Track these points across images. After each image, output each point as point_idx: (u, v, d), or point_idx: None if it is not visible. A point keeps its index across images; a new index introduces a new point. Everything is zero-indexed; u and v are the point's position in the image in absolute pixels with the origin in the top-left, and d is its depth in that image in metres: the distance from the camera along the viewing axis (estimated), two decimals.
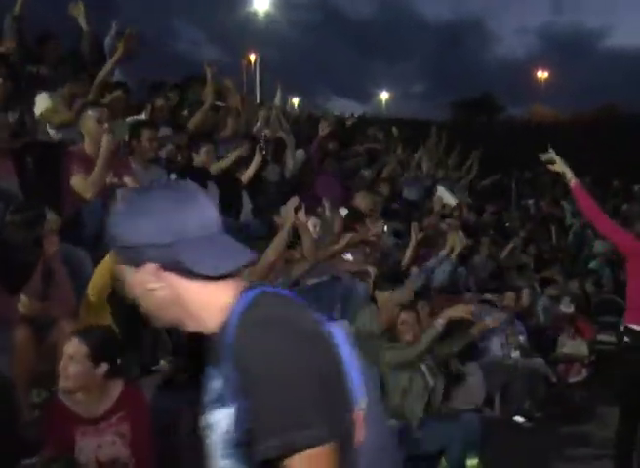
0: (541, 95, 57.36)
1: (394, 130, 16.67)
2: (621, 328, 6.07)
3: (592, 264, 15.89)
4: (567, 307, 10.91)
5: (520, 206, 18.62)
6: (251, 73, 56.38)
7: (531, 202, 18.51)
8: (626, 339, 5.92)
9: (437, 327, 5.42)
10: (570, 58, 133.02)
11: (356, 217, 7.99)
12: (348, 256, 7.46)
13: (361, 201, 8.69)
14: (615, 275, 15.26)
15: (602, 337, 10.83)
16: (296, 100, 53.66)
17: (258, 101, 17.66)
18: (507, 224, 15.05)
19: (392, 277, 6.68)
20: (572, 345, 9.31)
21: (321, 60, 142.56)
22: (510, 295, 8.69)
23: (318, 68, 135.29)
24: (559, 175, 6.56)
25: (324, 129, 9.97)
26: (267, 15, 46.72)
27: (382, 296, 6.34)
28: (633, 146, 39.64)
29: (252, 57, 56.03)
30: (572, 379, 8.94)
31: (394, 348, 5.62)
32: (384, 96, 60.31)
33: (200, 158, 7.50)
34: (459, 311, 5.45)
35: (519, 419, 7.97)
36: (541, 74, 58.52)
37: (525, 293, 9.58)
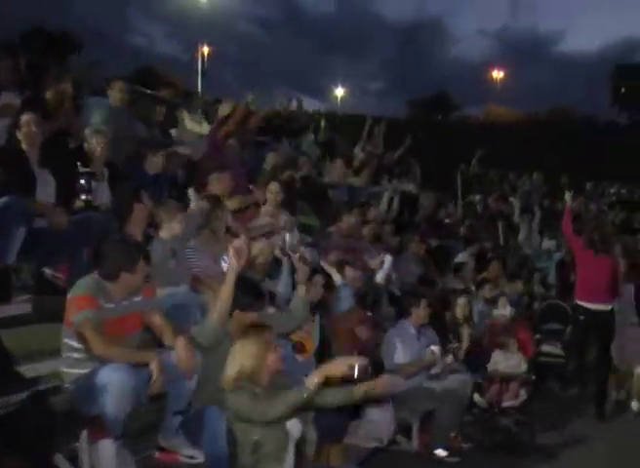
0: (497, 95, 56.75)
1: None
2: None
3: (540, 262, 14.51)
4: (503, 309, 9.40)
5: (466, 202, 17.10)
6: (205, 67, 54.95)
7: (477, 198, 17.01)
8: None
9: (302, 393, 3.65)
10: (525, 60, 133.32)
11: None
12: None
13: (214, 186, 7.09)
14: (561, 275, 14.04)
15: (546, 348, 9.34)
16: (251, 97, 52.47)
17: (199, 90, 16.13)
18: (447, 221, 13.46)
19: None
20: (508, 361, 7.72)
21: (280, 57, 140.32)
22: (418, 312, 6.84)
23: (277, 65, 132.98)
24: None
25: (223, 111, 8.66)
26: (225, 10, 45.05)
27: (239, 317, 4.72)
28: (586, 146, 39.52)
29: (205, 50, 54.46)
30: (506, 403, 7.32)
31: (242, 391, 3.86)
32: (340, 92, 58.93)
33: None
34: (338, 368, 3.66)
35: (441, 453, 6.36)
36: (497, 74, 57.96)
37: (461, 305, 8.00)
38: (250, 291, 4.78)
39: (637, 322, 8.83)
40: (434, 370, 6.60)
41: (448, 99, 57.96)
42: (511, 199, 17.18)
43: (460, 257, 11.41)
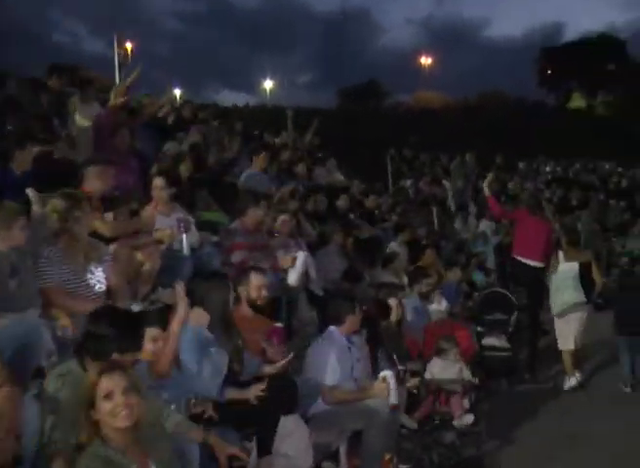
0: (426, 81, 56.37)
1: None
2: None
3: (477, 246, 13.70)
4: (439, 305, 8.43)
5: (397, 187, 16.18)
6: (128, 63, 52.74)
7: (409, 182, 16.11)
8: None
9: None
10: (453, 46, 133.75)
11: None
12: None
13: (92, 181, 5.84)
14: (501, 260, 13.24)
15: (490, 341, 8.38)
16: (178, 92, 50.84)
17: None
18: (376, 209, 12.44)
19: None
20: (447, 370, 6.65)
21: (209, 52, 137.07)
22: (353, 319, 5.70)
23: (206, 60, 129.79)
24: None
25: (116, 97, 7.72)
26: (151, 5, 43.15)
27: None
28: (516, 128, 39.37)
29: (128, 46, 52.18)
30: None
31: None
32: (268, 85, 57.54)
33: None
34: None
35: None
36: (425, 61, 57.48)
37: (394, 307, 6.96)
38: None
39: (582, 301, 8.01)
40: (391, 402, 5.27)
41: (378, 87, 57.35)
42: (444, 182, 16.31)
43: (392, 247, 10.43)
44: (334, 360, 5.45)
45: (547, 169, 19.85)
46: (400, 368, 5.97)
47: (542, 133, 38.76)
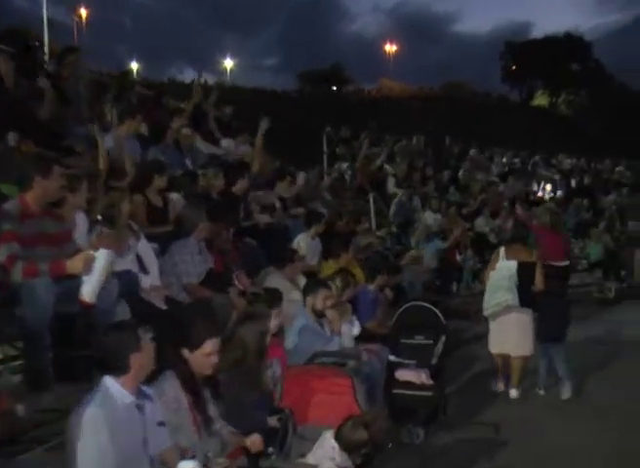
0: (390, 69, 54.14)
1: None
2: None
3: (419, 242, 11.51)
4: (349, 329, 6.10)
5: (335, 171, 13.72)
6: (82, 30, 49.46)
7: (345, 166, 13.66)
8: None
9: None
10: (419, 37, 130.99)
11: None
12: None
13: None
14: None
15: (404, 375, 5.98)
16: (135, 66, 47.77)
17: None
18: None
19: None
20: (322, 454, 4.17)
21: (174, 30, 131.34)
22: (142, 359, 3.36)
23: (170, 37, 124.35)
24: None
25: None
26: None
27: None
28: (477, 119, 37.82)
29: (83, 12, 48.87)
30: None
31: None
32: (229, 64, 54.68)
33: None
34: None
35: None
36: (390, 48, 55.19)
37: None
38: None
39: (514, 304, 7.06)
40: None
41: (341, 73, 54.86)
42: (386, 166, 13.92)
43: (297, 241, 8.05)
44: (104, 440, 3.08)
45: (504, 160, 17.69)
46: None
47: (504, 126, 37.23)
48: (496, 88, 57.36)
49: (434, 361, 5.95)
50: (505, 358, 7.27)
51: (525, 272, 7.11)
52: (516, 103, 56.38)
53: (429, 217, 12.52)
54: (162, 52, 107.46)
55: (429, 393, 5.90)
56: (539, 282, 7.13)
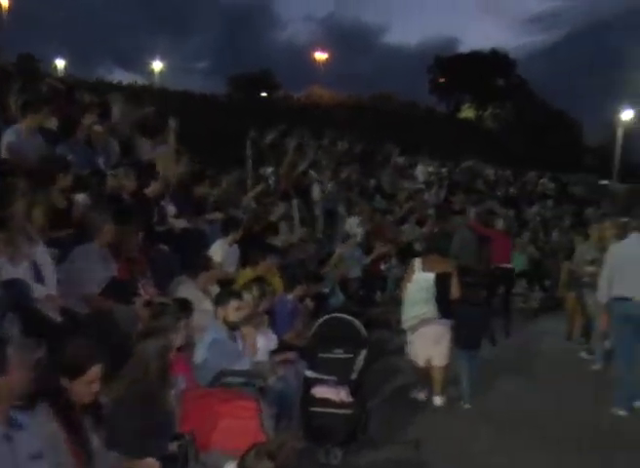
0: (320, 78, 53.87)
1: None
2: None
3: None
4: (266, 342, 5.73)
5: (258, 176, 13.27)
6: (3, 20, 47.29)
7: (269, 171, 13.24)
8: None
9: None
10: (349, 47, 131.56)
11: None
12: None
13: None
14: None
15: (321, 392, 5.61)
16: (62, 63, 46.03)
17: None
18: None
19: None
20: None
21: (104, 29, 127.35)
22: None
23: (100, 36, 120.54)
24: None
25: None
26: None
27: None
28: (403, 129, 38.05)
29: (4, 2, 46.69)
30: None
31: None
32: (158, 66, 53.36)
33: None
34: None
35: None
36: (320, 56, 55.05)
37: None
38: None
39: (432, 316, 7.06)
40: None
41: (271, 79, 54.51)
42: (311, 172, 13.58)
43: (214, 248, 7.62)
44: None
45: (430, 169, 17.69)
46: None
47: (431, 137, 37.56)
48: (423, 100, 58.15)
49: (354, 376, 5.60)
50: (426, 369, 7.24)
51: (442, 283, 7.07)
52: (443, 115, 57.19)
53: (354, 223, 12.24)
54: (90, 50, 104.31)
55: (349, 411, 5.56)
56: (455, 291, 7.12)
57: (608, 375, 8.20)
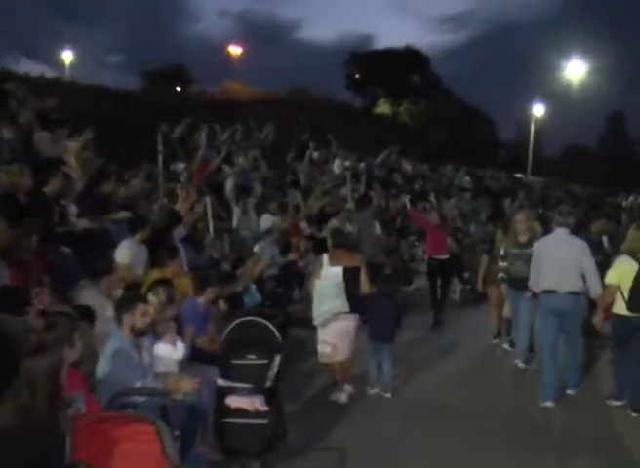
0: (234, 72, 53.17)
1: None
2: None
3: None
4: (172, 351, 5.35)
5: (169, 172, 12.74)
6: None
7: (181, 166, 12.76)
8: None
9: None
10: (264, 42, 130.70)
11: None
12: None
13: None
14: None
15: (235, 401, 5.26)
16: None
17: None
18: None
19: None
20: None
21: (10, 17, 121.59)
22: None
23: (7, 25, 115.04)
24: None
25: None
26: None
27: None
28: (323, 122, 37.95)
29: None
30: None
31: None
32: (68, 58, 51.39)
33: None
34: None
35: None
36: (235, 51, 54.38)
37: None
38: None
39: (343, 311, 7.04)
40: None
41: (186, 73, 53.36)
42: (225, 167, 13.18)
43: (121, 248, 7.15)
44: None
45: (347, 163, 17.52)
46: None
47: (347, 132, 37.55)
48: (340, 95, 58.29)
49: (269, 384, 5.27)
50: (332, 365, 7.23)
51: (351, 277, 7.06)
52: (359, 110, 57.52)
53: (268, 221, 11.91)
54: None
55: (265, 421, 5.23)
56: (365, 285, 7.15)
57: (531, 368, 8.42)
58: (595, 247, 8.08)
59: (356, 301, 7.06)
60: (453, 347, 9.80)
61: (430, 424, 6.58)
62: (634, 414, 6.93)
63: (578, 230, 8.45)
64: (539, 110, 39.27)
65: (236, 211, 11.92)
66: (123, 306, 5.15)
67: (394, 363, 7.49)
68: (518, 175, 32.88)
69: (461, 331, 10.98)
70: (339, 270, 7.02)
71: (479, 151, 49.84)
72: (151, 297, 5.50)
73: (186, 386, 4.89)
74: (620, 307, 7.04)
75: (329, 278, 7.03)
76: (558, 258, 7.28)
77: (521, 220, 8.57)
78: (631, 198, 23.39)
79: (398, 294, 9.12)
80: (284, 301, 10.05)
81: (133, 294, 5.51)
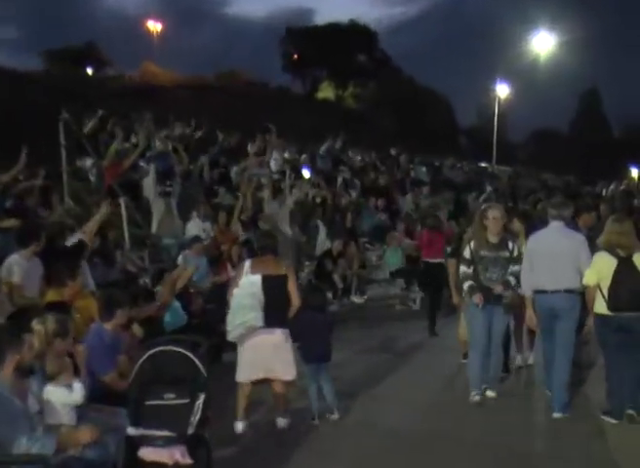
0: (155, 54, 52.36)
1: None
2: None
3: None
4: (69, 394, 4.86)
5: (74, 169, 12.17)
6: None
7: (89, 163, 12.21)
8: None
9: None
10: (189, 21, 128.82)
11: None
12: None
13: None
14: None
15: (148, 453, 4.76)
16: None
17: None
18: None
19: None
20: None
21: None
22: None
23: None
24: None
25: None
26: None
27: None
28: (257, 110, 37.70)
29: None
30: None
31: None
32: None
33: None
34: None
35: None
36: (154, 27, 53.65)
37: None
38: None
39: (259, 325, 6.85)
40: None
41: (98, 53, 51.85)
42: (142, 164, 12.66)
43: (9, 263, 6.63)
44: None
45: (286, 155, 17.16)
46: None
47: (286, 120, 37.35)
48: (276, 78, 57.92)
49: (192, 430, 4.80)
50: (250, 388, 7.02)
51: (272, 287, 6.87)
52: (299, 95, 57.25)
53: (195, 227, 11.44)
54: None
55: None
56: (293, 297, 6.98)
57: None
58: None
59: (278, 315, 6.86)
60: (414, 366, 9.67)
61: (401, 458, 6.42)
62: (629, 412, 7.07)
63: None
64: (502, 90, 39.43)
65: (157, 208, 11.42)
66: (3, 340, 4.61)
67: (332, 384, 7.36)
68: (483, 165, 33.02)
69: (422, 347, 10.79)
70: (257, 279, 6.86)
71: (436, 138, 50.12)
72: (37, 326, 4.99)
73: (84, 436, 4.41)
74: (601, 306, 7.17)
75: (246, 287, 6.87)
76: (554, 254, 7.39)
77: (497, 217, 7.76)
78: (612, 187, 23.62)
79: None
80: (215, 321, 9.55)
81: (14, 323, 4.98)
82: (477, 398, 7.73)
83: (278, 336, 6.90)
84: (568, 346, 7.52)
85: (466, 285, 7.87)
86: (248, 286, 6.86)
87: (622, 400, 7.13)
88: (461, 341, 9.17)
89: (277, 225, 12.14)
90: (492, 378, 8.06)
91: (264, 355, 6.87)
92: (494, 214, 7.79)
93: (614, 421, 7.06)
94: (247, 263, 7.12)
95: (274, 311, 6.82)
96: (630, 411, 7.04)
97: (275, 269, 7.00)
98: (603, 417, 7.20)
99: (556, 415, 7.35)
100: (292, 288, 7.00)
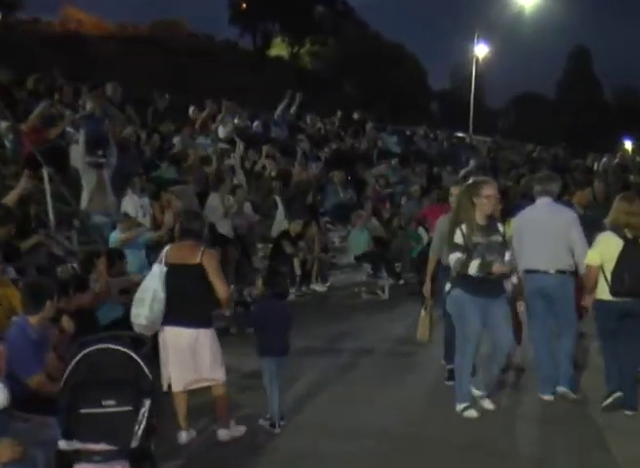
0: None
1: None
2: None
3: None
4: None
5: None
6: None
7: (4, 127, 11.93)
8: None
9: None
10: None
11: None
12: None
13: None
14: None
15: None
16: None
17: None
18: None
19: None
20: None
21: None
22: None
23: None
24: None
25: None
26: None
27: None
28: (201, 67, 37.74)
29: None
30: None
31: None
32: None
33: None
34: None
35: None
36: None
37: None
38: None
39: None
40: None
41: None
42: (69, 130, 12.46)
43: None
44: None
45: (236, 121, 17.02)
46: None
47: (235, 80, 37.34)
48: (222, 32, 57.57)
49: (135, 442, 4.72)
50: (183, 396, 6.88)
51: (179, 278, 6.64)
52: (249, 52, 57.04)
53: (131, 204, 11.29)
54: None
55: None
56: (220, 289, 6.68)
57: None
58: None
59: (194, 311, 6.64)
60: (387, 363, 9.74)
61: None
62: (628, 412, 7.39)
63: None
64: (481, 49, 39.38)
65: (87, 181, 11.25)
66: None
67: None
68: (459, 135, 33.12)
69: (391, 341, 10.91)
70: (160, 269, 6.69)
71: (406, 104, 50.26)
72: None
73: (4, 453, 4.32)
74: (604, 291, 7.36)
75: (155, 278, 6.67)
76: (543, 232, 7.66)
77: (490, 195, 7.16)
78: (604, 160, 23.94)
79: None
80: None
81: None
82: (473, 412, 7.40)
83: (188, 338, 6.66)
84: (571, 321, 7.87)
85: (475, 263, 7.07)
86: (157, 276, 6.66)
87: (621, 387, 7.41)
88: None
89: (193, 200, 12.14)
90: (488, 382, 7.75)
91: (182, 358, 6.69)
92: (488, 192, 7.18)
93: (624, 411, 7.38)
94: (165, 249, 6.94)
95: (181, 307, 6.60)
96: (619, 394, 7.39)
97: (190, 257, 6.73)
98: (603, 406, 7.47)
99: (561, 389, 7.76)
100: (214, 278, 6.66)
